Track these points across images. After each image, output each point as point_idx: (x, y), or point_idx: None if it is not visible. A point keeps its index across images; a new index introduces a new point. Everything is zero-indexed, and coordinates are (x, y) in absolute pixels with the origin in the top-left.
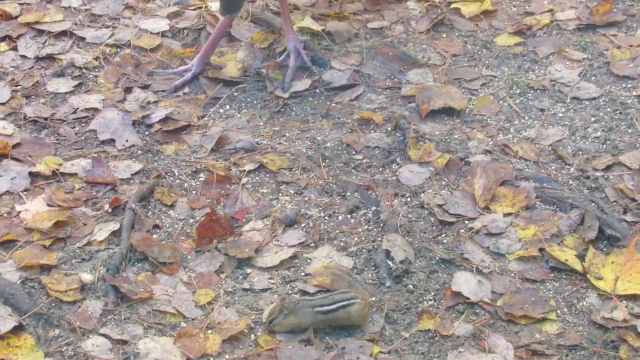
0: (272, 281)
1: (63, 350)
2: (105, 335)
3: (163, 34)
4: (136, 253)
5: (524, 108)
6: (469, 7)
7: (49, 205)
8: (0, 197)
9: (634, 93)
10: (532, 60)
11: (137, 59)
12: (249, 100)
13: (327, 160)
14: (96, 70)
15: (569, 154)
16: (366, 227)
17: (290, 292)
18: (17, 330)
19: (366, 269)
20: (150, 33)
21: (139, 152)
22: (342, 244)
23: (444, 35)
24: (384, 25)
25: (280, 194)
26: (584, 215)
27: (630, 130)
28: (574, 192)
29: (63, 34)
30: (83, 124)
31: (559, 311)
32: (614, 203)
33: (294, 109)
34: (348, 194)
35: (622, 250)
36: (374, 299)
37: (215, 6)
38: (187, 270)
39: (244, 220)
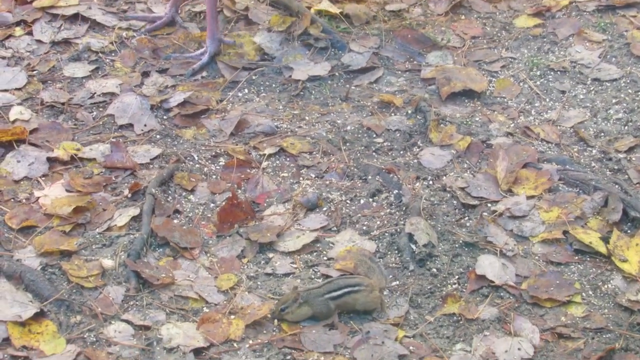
0: (294, 266)
1: (85, 336)
2: (127, 321)
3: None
4: (157, 238)
5: (544, 90)
6: None
7: (67, 190)
8: (19, 183)
9: None
10: (552, 41)
11: (154, 43)
12: (267, 84)
13: (347, 144)
14: (113, 54)
15: (591, 136)
16: (388, 210)
17: (313, 276)
18: (39, 316)
19: (389, 252)
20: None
21: (158, 136)
22: (364, 227)
23: (463, 17)
24: (402, 8)
25: (301, 178)
26: (607, 197)
27: None
28: (597, 174)
29: (78, 18)
30: (101, 109)
31: (584, 294)
32: (638, 185)
33: (313, 92)
34: (369, 177)
35: None
36: (397, 282)
37: None
38: (208, 255)
39: (265, 204)
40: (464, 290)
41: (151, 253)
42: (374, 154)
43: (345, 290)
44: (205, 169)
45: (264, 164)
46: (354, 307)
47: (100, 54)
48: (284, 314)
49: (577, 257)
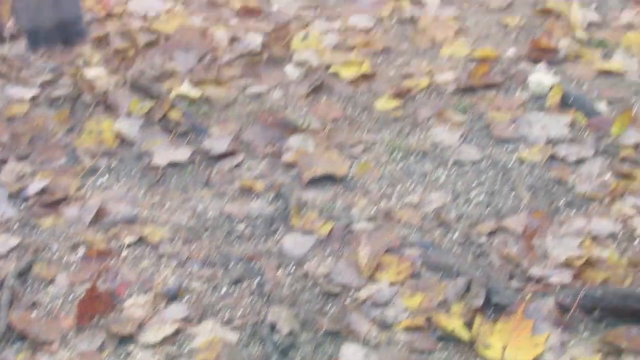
0: (155, 358)
1: None
2: None
3: (36, 103)
4: (15, 332)
5: (405, 173)
6: (347, 70)
7: None
8: None
9: (515, 156)
10: (413, 123)
11: (13, 127)
12: (127, 170)
13: (208, 231)
14: None
15: (453, 220)
16: (250, 299)
17: None
18: None
19: (252, 342)
20: (23, 101)
21: (16, 226)
22: (226, 317)
23: (324, 99)
24: (263, 91)
25: (162, 267)
26: (470, 283)
27: (512, 194)
28: (460, 258)
29: None
30: None
31: None
32: (500, 269)
33: (174, 178)
34: (231, 265)
35: (510, 318)
36: None
37: (90, 74)
38: (68, 349)
39: (126, 295)
40: None
41: (8, 348)
42: (235, 240)
43: None
44: (65, 259)
45: (124, 253)
46: None
47: None
48: None
49: (440, 344)
